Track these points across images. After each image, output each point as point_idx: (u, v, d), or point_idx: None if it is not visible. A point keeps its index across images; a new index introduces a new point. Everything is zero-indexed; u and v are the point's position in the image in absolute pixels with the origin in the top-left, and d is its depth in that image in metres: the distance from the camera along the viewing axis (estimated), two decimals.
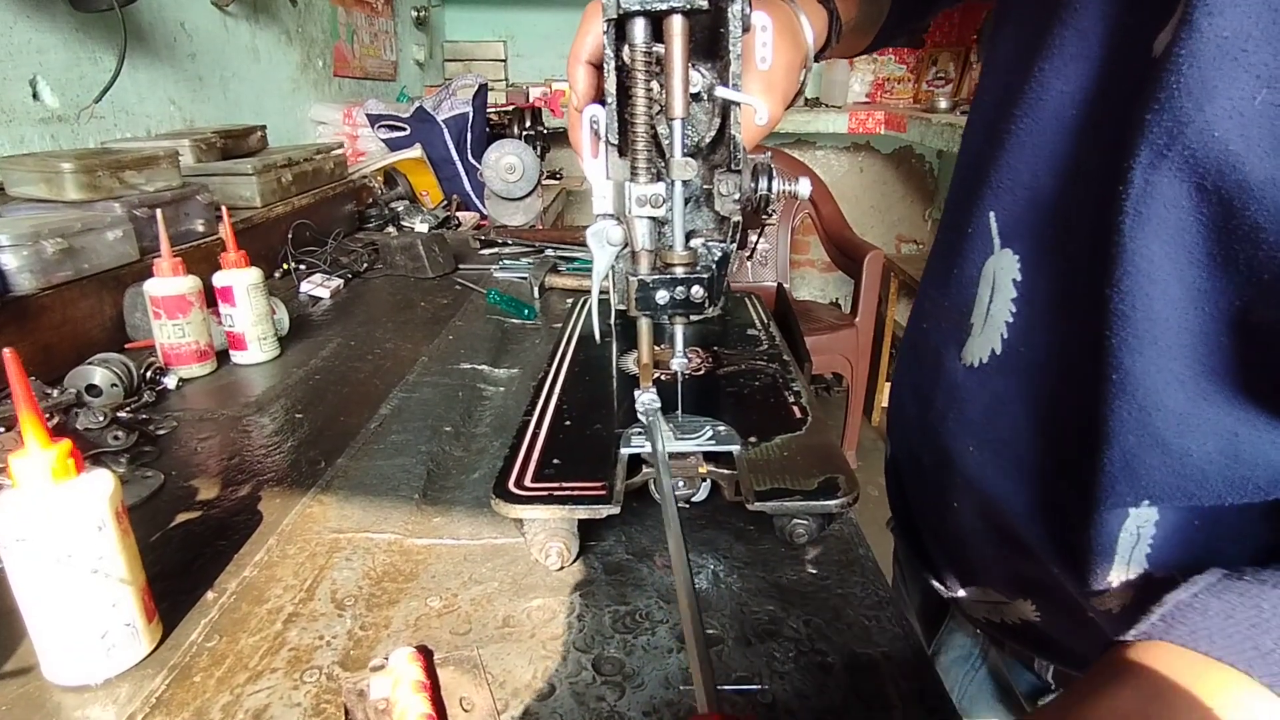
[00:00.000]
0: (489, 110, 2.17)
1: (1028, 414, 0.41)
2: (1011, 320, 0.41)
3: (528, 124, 2.30)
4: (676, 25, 0.40)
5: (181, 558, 0.51)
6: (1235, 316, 0.31)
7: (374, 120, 1.94)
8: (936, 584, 0.57)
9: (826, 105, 3.15)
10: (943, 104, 2.77)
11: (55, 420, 0.66)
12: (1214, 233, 0.30)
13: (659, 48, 0.41)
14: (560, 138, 2.62)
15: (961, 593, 0.55)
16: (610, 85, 0.43)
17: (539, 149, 2.22)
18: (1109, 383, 0.34)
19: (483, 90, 2.01)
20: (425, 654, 0.41)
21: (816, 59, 0.53)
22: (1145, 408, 0.34)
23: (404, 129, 1.93)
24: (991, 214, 0.43)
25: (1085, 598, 0.40)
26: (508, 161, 1.63)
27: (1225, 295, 0.31)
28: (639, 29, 0.40)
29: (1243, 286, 0.30)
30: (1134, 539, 0.36)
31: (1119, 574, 0.37)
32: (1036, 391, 0.41)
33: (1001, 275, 0.42)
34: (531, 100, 2.88)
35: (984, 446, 0.44)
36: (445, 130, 1.92)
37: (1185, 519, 0.35)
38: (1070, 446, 0.39)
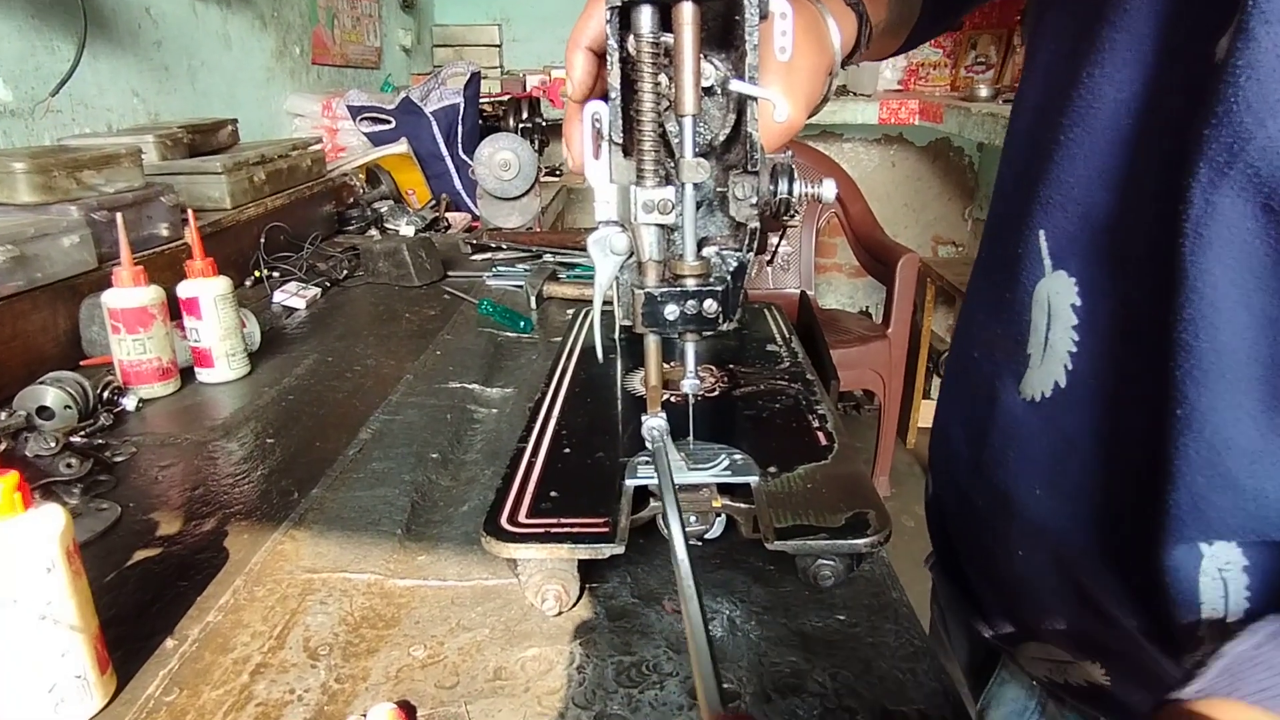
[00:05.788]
0: (482, 101, 2.19)
1: (1101, 454, 0.41)
2: (1075, 350, 0.41)
3: (524, 115, 2.32)
4: (686, 13, 0.40)
5: (139, 600, 0.51)
6: None
7: (355, 112, 1.96)
8: (988, 632, 0.56)
9: (855, 94, 3.17)
10: (983, 91, 2.77)
11: (3, 446, 0.66)
12: None
13: (667, 38, 0.41)
14: (561, 130, 2.64)
15: (1017, 647, 0.54)
16: (614, 79, 0.43)
17: (537, 143, 2.23)
18: (1173, 418, 0.34)
19: (475, 79, 2.03)
20: (407, 710, 0.41)
21: (844, 64, 0.53)
22: (1214, 445, 0.33)
23: (388, 122, 1.95)
24: (1041, 232, 0.43)
25: (1172, 659, 0.39)
26: (502, 157, 1.64)
27: None
28: (645, 17, 0.40)
29: None
30: (1219, 584, 0.35)
31: (1208, 626, 0.36)
32: (1109, 428, 0.40)
33: (1058, 300, 0.42)
34: (529, 89, 2.90)
35: (1052, 490, 0.44)
36: (433, 123, 1.94)
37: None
38: (1145, 488, 0.38)
